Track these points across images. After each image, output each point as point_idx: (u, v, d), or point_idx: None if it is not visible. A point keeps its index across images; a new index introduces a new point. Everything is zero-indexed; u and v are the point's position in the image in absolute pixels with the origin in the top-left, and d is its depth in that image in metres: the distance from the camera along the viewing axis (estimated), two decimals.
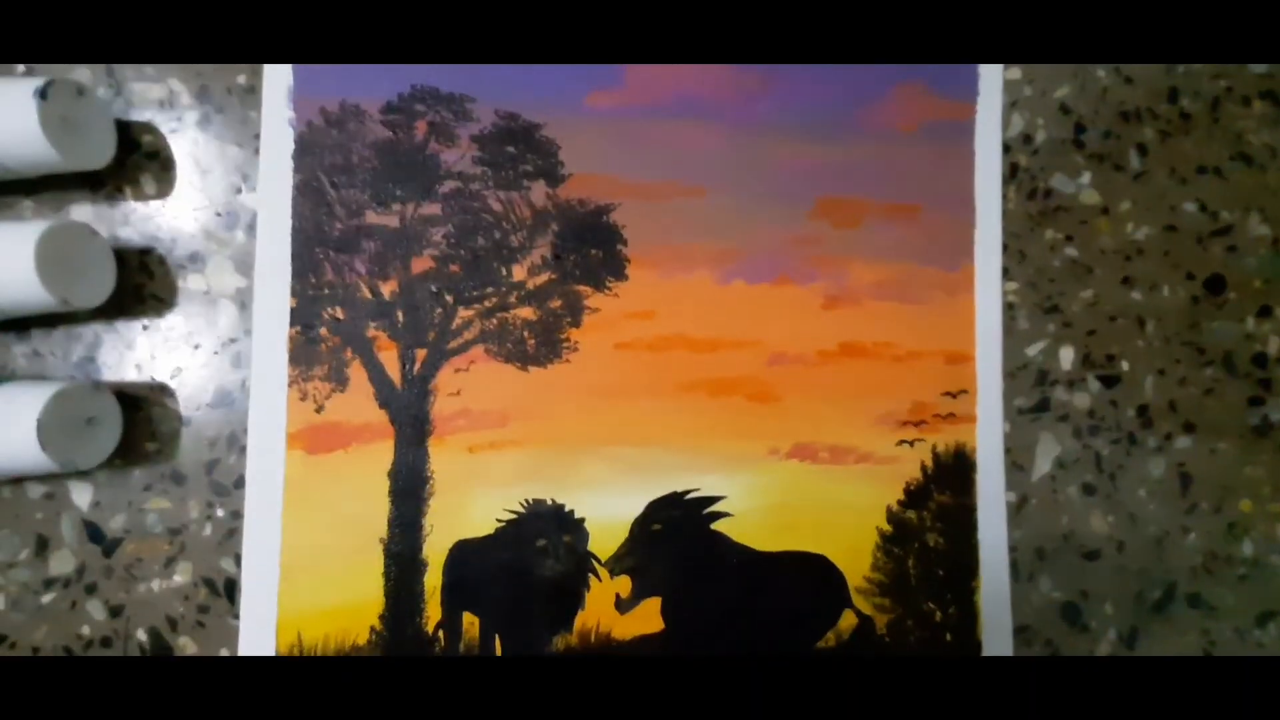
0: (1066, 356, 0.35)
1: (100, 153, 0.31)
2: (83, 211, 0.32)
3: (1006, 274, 0.35)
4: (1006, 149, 0.35)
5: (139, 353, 0.32)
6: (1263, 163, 0.36)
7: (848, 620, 0.32)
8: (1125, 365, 0.35)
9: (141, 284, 0.32)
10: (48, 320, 0.32)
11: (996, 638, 0.33)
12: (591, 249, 0.33)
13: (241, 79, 0.33)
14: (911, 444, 0.33)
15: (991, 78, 0.35)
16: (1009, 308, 0.35)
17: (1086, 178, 0.35)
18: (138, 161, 0.32)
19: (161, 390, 0.32)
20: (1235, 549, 0.35)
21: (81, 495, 0.32)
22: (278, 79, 0.32)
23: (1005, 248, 0.35)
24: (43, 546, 0.31)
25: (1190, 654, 0.35)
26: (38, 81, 0.28)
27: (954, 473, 0.33)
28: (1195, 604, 0.35)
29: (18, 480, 0.31)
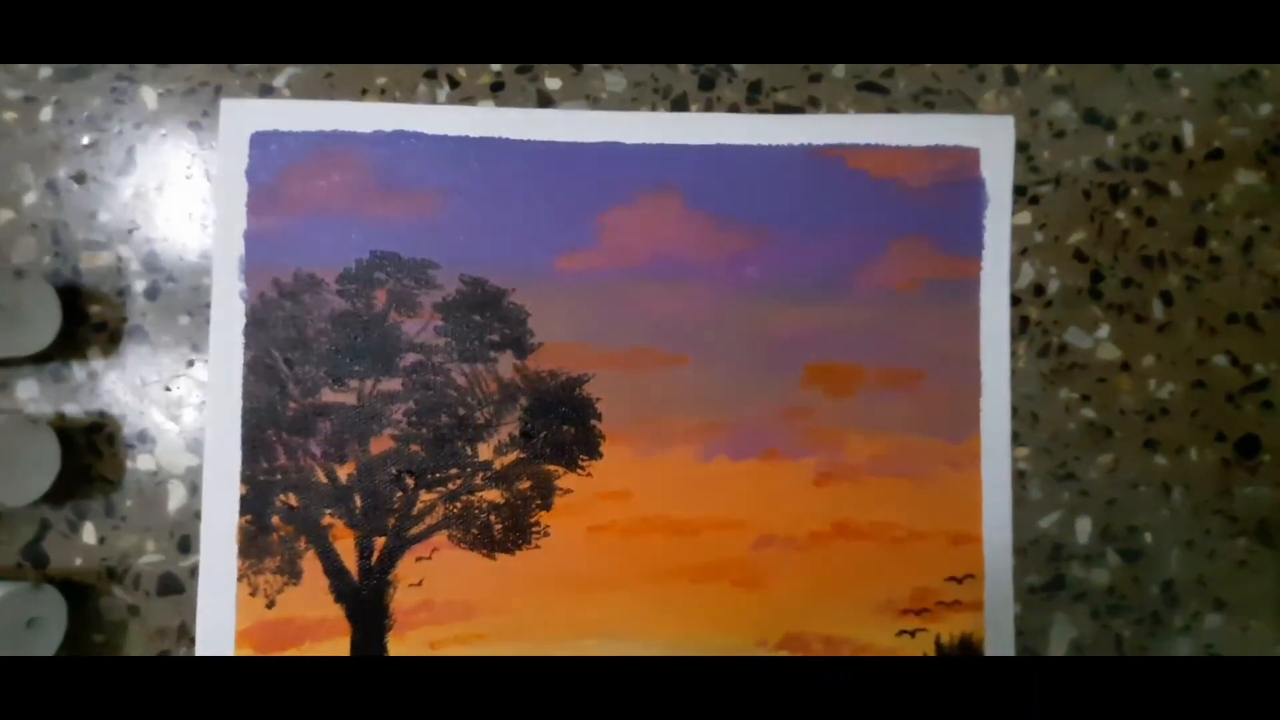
0: (1083, 529, 0.32)
1: (41, 335, 0.29)
2: (28, 387, 0.31)
3: (1017, 439, 0.32)
4: (1016, 301, 0.32)
5: (85, 539, 0.30)
6: None
7: None
8: (1148, 537, 0.32)
9: (89, 464, 0.30)
10: None
11: None
12: (563, 425, 0.30)
13: (193, 244, 0.31)
14: (913, 634, 0.30)
15: (999, 226, 0.32)
16: (1020, 476, 0.32)
17: (1104, 331, 0.33)
18: (85, 334, 0.31)
19: (109, 577, 0.30)
20: None
21: None
22: (229, 248, 0.30)
23: (1015, 411, 0.32)
24: None
25: None
26: None
27: None
28: None
29: None
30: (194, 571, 0.30)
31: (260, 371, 0.30)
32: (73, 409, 0.31)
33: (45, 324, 0.29)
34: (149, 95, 0.31)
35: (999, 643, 0.31)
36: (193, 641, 0.30)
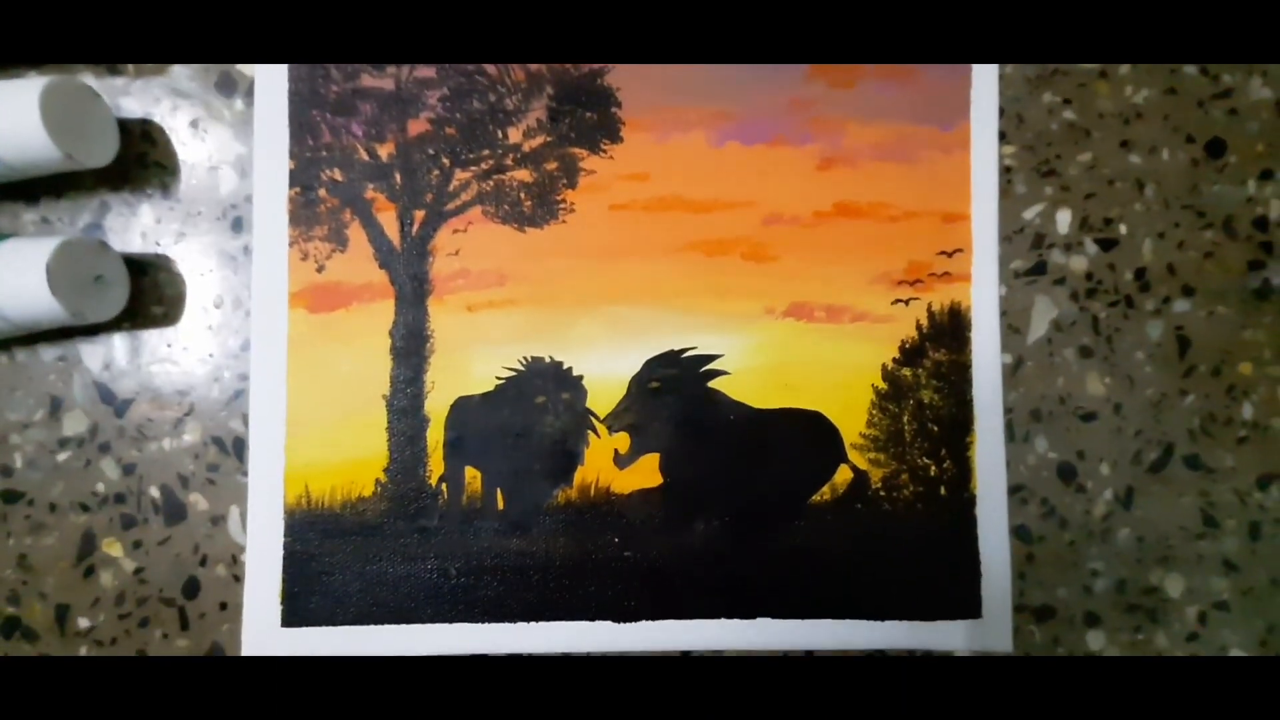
0: (1064, 220, 0.35)
1: None
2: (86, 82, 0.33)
3: (1003, 138, 0.35)
4: None
5: (143, 220, 0.33)
6: None
7: (843, 475, 0.33)
8: (1123, 229, 0.35)
9: (145, 152, 0.33)
10: (55, 187, 0.32)
11: (991, 494, 0.33)
12: (586, 112, 0.33)
13: None
14: (907, 303, 0.33)
15: None
16: (1006, 171, 0.35)
17: None
18: None
19: (166, 256, 0.33)
20: (1235, 412, 0.35)
21: (92, 357, 0.32)
22: None
23: (1002, 111, 0.35)
24: (56, 407, 0.32)
25: (1188, 514, 0.35)
26: None
27: (949, 331, 0.33)
28: (1194, 465, 0.35)
29: (31, 343, 0.32)
30: (247, 249, 0.33)
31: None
32: (129, 103, 0.33)
33: None
34: None
35: (985, 315, 0.34)
36: (248, 314, 0.32)
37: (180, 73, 0.33)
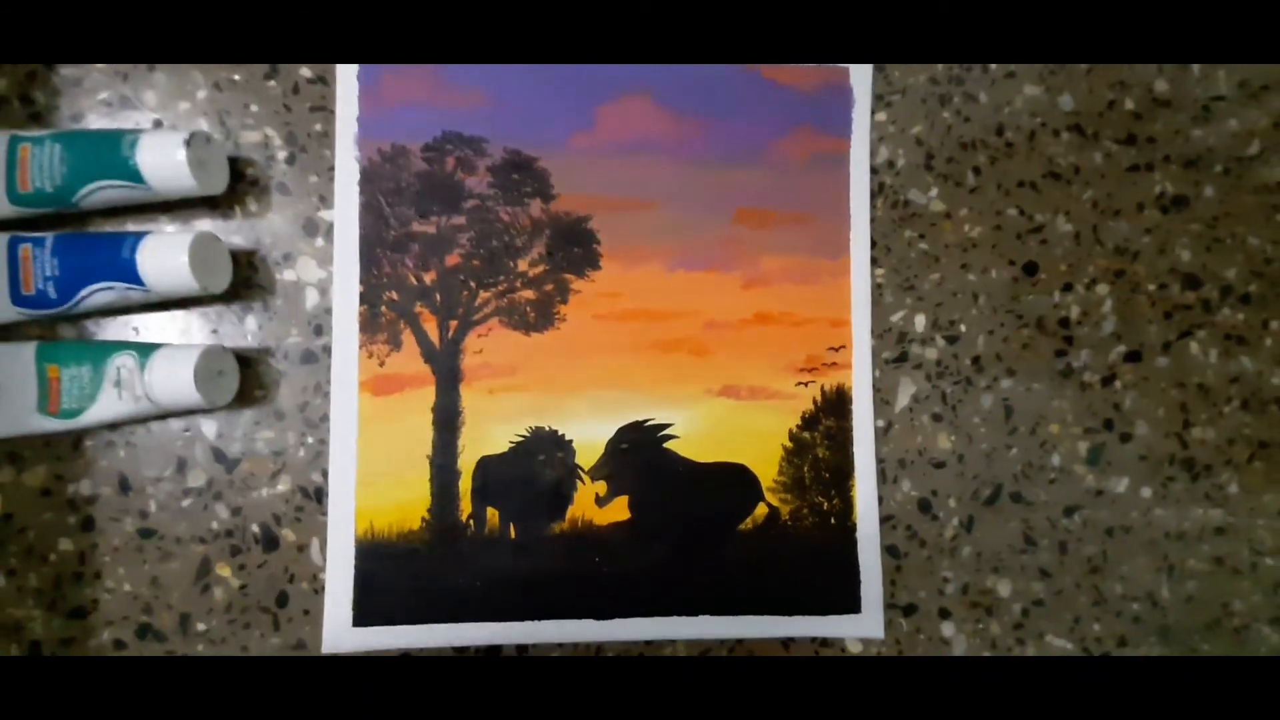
0: (920, 322, 0.48)
1: (221, 181, 0.43)
2: (205, 225, 0.44)
3: (875, 263, 0.48)
4: (875, 172, 0.48)
5: (248, 326, 0.44)
6: (1068, 178, 0.49)
7: (761, 510, 0.45)
8: (963, 328, 0.48)
9: (249, 276, 0.44)
10: (183, 304, 0.44)
11: (868, 523, 0.46)
12: (575, 248, 0.45)
13: (318, 126, 0.45)
14: (806, 384, 0.46)
15: (862, 119, 0.47)
16: (877, 287, 0.48)
17: (935, 192, 0.48)
18: (244, 188, 0.45)
19: (266, 353, 0.44)
20: (1046, 460, 0.48)
21: (209, 429, 0.44)
22: (346, 126, 0.44)
23: (874, 244, 0.48)
24: (181, 466, 0.44)
25: (1014, 536, 0.48)
26: (183, 134, 0.40)
27: (837, 404, 0.46)
28: (1017, 500, 0.48)
29: (163, 418, 0.43)
30: (326, 348, 0.44)
31: (370, 210, 0.44)
32: (237, 240, 0.44)
33: (222, 174, 0.43)
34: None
35: (863, 392, 0.47)
36: (327, 395, 0.44)
37: (276, 218, 0.45)
